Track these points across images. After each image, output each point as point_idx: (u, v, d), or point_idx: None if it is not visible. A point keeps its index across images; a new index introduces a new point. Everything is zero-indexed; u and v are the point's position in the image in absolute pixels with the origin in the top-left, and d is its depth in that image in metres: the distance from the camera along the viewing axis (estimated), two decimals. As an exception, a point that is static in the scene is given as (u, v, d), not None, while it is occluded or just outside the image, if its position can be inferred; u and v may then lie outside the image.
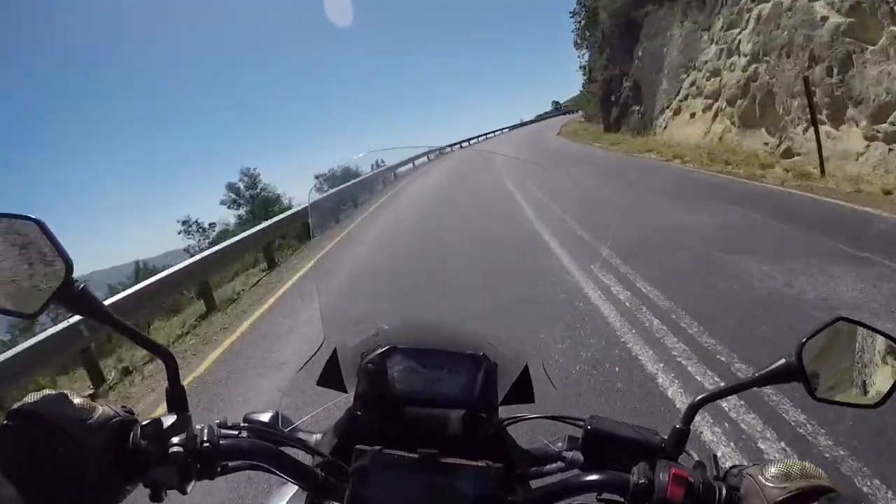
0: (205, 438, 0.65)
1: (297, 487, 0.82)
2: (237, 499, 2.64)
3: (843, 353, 0.70)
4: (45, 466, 0.54)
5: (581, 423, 0.73)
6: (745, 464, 0.64)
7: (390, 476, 0.66)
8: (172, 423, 0.65)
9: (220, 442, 0.66)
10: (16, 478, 0.50)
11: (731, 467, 0.65)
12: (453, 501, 0.66)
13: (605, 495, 0.69)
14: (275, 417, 0.78)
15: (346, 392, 0.84)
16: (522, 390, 0.85)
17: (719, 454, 2.41)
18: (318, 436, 0.80)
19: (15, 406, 0.58)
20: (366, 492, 0.66)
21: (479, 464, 0.67)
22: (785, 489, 0.57)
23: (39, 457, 0.54)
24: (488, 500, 0.66)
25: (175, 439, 0.63)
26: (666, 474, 0.62)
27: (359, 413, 0.78)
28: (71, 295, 0.64)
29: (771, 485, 0.58)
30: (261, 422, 0.76)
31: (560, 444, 0.78)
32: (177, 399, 0.69)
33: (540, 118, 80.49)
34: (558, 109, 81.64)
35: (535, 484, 0.74)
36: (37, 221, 0.63)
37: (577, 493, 0.69)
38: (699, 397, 0.69)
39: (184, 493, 0.65)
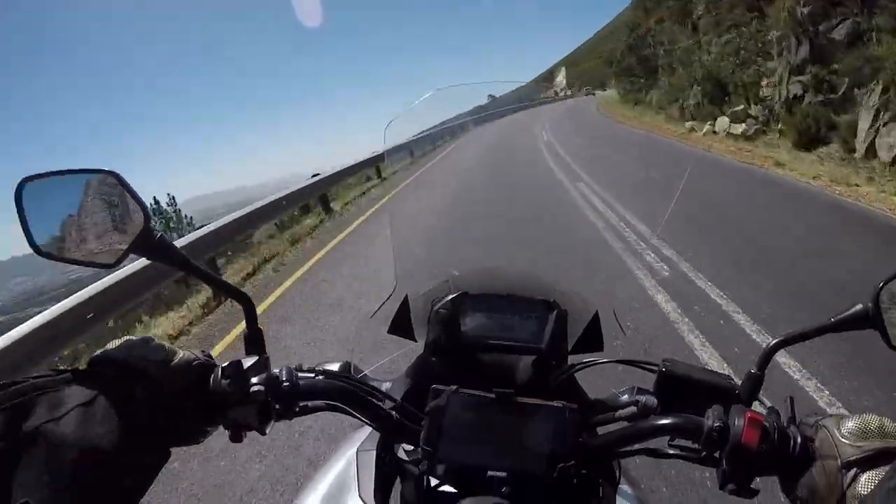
0: (284, 378, 0.65)
1: (369, 431, 0.83)
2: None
3: None
4: (131, 407, 0.55)
5: (654, 367, 0.72)
6: (822, 414, 0.63)
7: (466, 415, 0.67)
8: (252, 365, 0.65)
9: (299, 382, 0.67)
10: (106, 417, 0.52)
11: (806, 416, 0.64)
12: (529, 441, 0.66)
13: (678, 441, 0.67)
14: (346, 366, 0.79)
15: (415, 341, 0.84)
16: (592, 338, 0.84)
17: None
18: (389, 383, 0.80)
19: (97, 353, 0.60)
20: (441, 430, 0.66)
21: (555, 404, 0.67)
22: (860, 448, 0.55)
23: (125, 398, 0.55)
24: (564, 441, 0.66)
25: (255, 379, 0.64)
26: (741, 418, 0.61)
27: (430, 359, 0.78)
28: (149, 243, 0.64)
29: (847, 442, 0.56)
30: (333, 370, 0.76)
31: (628, 395, 0.77)
32: (255, 341, 0.70)
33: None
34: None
35: (604, 430, 0.73)
36: (113, 174, 0.65)
37: (650, 436, 0.67)
38: (773, 342, 0.68)
39: (263, 433, 0.66)
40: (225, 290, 0.71)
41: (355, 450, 0.84)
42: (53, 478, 0.46)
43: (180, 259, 0.67)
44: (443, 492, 0.71)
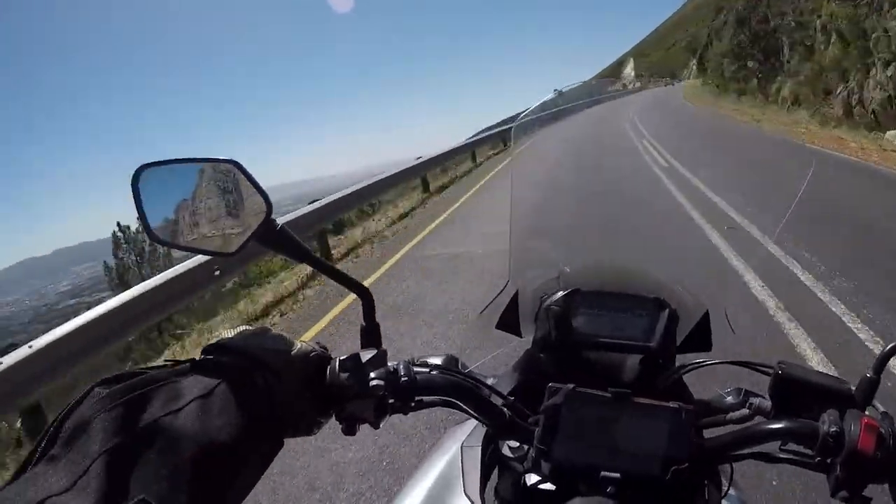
0: (402, 373, 0.65)
1: (473, 426, 0.84)
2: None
3: None
4: (251, 397, 0.54)
5: (770, 369, 0.70)
6: None
7: (582, 414, 0.66)
8: (370, 358, 0.65)
9: (416, 377, 0.66)
10: (225, 408, 0.51)
11: None
12: (644, 441, 0.65)
13: (790, 446, 0.66)
14: (452, 361, 0.78)
15: (521, 336, 0.83)
16: (700, 337, 0.83)
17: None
18: (494, 379, 0.80)
19: (212, 342, 0.59)
20: (557, 429, 0.66)
21: (672, 404, 0.66)
22: None
23: (246, 388, 0.54)
24: (679, 442, 0.65)
25: (374, 373, 0.63)
26: (857, 424, 0.59)
27: (539, 355, 0.78)
28: (270, 233, 0.65)
29: None
30: (441, 364, 0.76)
31: (733, 397, 0.75)
32: (372, 334, 0.70)
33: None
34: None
35: (709, 433, 0.72)
36: (235, 163, 0.64)
37: (763, 440, 0.66)
38: (889, 346, 0.65)
39: (376, 427, 0.66)
40: (345, 283, 0.71)
41: (460, 445, 0.83)
42: (172, 472, 0.44)
43: (301, 250, 0.67)
44: (543, 490, 0.71)
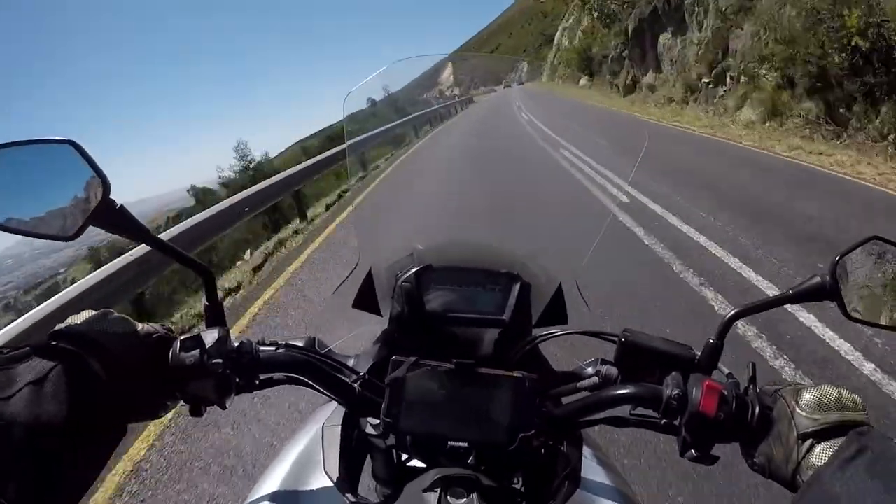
0: (244, 351, 0.65)
1: (335, 406, 0.83)
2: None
3: (877, 272, 0.69)
4: (86, 382, 0.54)
5: (615, 337, 0.73)
6: (781, 383, 0.64)
7: (426, 386, 0.67)
8: (212, 338, 0.65)
9: (259, 354, 0.67)
10: (58, 393, 0.51)
11: (766, 384, 0.65)
12: (489, 411, 0.67)
13: (639, 410, 0.68)
14: (311, 341, 0.79)
15: (380, 315, 0.84)
16: (556, 311, 0.85)
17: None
18: (354, 359, 0.80)
19: (58, 326, 0.59)
20: (402, 402, 0.66)
21: (515, 374, 0.67)
22: (816, 421, 0.56)
23: (81, 372, 0.54)
24: (524, 410, 0.66)
25: (213, 351, 0.63)
26: (699, 387, 0.62)
27: (395, 334, 0.78)
28: (109, 214, 0.63)
29: (803, 413, 0.57)
30: (297, 345, 0.76)
31: (592, 367, 0.78)
32: (215, 314, 0.69)
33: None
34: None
35: (568, 401, 0.74)
36: (72, 143, 0.63)
37: (610, 406, 0.69)
38: (731, 313, 0.69)
39: (223, 407, 0.66)
40: (185, 262, 0.70)
41: (321, 425, 0.84)
42: (4, 457, 0.45)
43: (141, 231, 0.66)
44: (412, 467, 0.71)
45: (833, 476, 0.50)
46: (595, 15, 32.38)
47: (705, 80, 17.12)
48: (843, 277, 0.67)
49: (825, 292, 0.66)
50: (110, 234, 0.67)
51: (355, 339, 0.93)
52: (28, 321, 3.56)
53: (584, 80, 37.94)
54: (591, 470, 0.80)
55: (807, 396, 0.58)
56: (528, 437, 0.66)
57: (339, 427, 0.77)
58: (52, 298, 3.89)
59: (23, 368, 0.51)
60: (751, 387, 0.64)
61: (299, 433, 0.92)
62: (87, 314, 0.62)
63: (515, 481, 0.75)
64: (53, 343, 0.56)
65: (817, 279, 0.67)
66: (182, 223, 6.36)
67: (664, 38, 22.27)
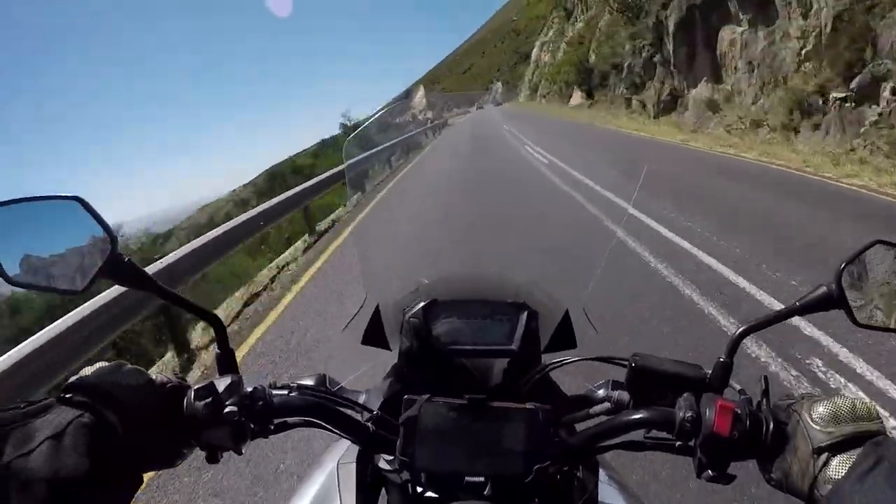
0: (257, 397, 0.66)
1: (348, 443, 0.83)
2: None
3: (883, 277, 0.68)
4: (103, 434, 0.55)
5: (625, 362, 0.73)
6: (795, 397, 0.64)
7: (440, 423, 0.67)
8: (224, 385, 0.65)
9: (273, 400, 0.67)
10: (76, 447, 0.52)
11: (780, 399, 0.65)
12: (504, 444, 0.67)
13: (654, 433, 0.68)
14: (322, 379, 0.80)
15: (389, 349, 0.85)
16: (564, 336, 0.85)
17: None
18: (366, 394, 0.81)
19: (71, 379, 0.59)
20: (416, 440, 0.67)
21: (528, 406, 0.67)
22: (830, 434, 0.56)
23: (97, 426, 0.55)
24: (538, 442, 0.67)
25: (228, 400, 0.64)
26: (712, 407, 0.62)
27: (404, 368, 0.79)
28: (118, 268, 0.64)
29: (818, 428, 0.57)
30: (308, 384, 0.77)
31: (604, 390, 0.78)
32: (227, 361, 0.70)
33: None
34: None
35: (581, 427, 0.74)
36: (78, 199, 0.64)
37: (624, 431, 0.69)
38: (740, 330, 0.69)
39: (239, 453, 0.66)
40: (195, 313, 0.71)
41: (336, 463, 0.84)
42: None
43: (150, 283, 0.67)
44: (428, 498, 0.71)
45: (852, 489, 0.50)
46: (615, 6, 26.21)
47: (837, 94, 10.06)
48: (849, 285, 0.66)
49: (832, 301, 0.66)
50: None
51: (366, 374, 0.93)
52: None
53: (577, 98, 34.34)
54: (608, 494, 0.80)
55: (820, 409, 0.58)
56: (543, 467, 0.66)
57: (355, 464, 0.78)
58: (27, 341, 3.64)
59: (40, 423, 0.52)
60: (764, 401, 0.64)
61: (315, 471, 0.92)
62: (99, 366, 0.63)
63: None
64: (69, 396, 0.57)
65: (823, 289, 0.66)
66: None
67: (731, 32, 14.88)
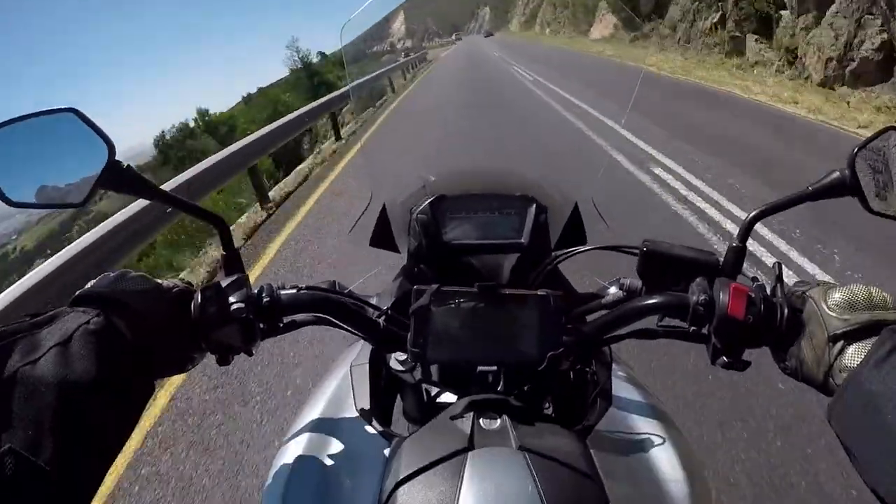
0: (264, 294, 0.65)
1: (361, 346, 0.83)
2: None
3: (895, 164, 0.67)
4: (111, 340, 0.54)
5: (635, 249, 0.72)
6: (810, 283, 0.62)
7: (451, 312, 0.66)
8: (231, 285, 0.65)
9: (281, 297, 0.66)
10: (84, 353, 0.51)
11: (794, 284, 0.64)
12: (516, 332, 0.66)
13: (667, 321, 0.68)
14: (331, 284, 0.78)
15: (398, 252, 0.84)
16: (574, 231, 0.84)
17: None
18: (376, 297, 0.80)
19: (78, 292, 0.59)
20: (427, 330, 0.66)
21: (539, 292, 0.66)
22: (846, 321, 0.55)
23: (105, 332, 0.54)
24: (551, 329, 0.66)
25: (234, 297, 0.63)
26: (726, 291, 0.61)
27: (415, 268, 0.78)
28: (116, 176, 0.63)
29: (833, 314, 0.56)
30: (319, 287, 0.76)
31: (615, 286, 0.77)
32: (232, 262, 0.69)
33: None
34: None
35: (593, 318, 0.73)
36: (73, 110, 0.63)
37: (637, 318, 0.68)
38: (752, 214, 0.68)
39: (249, 353, 0.66)
40: (200, 214, 0.70)
41: (349, 365, 0.84)
42: (35, 419, 0.45)
43: (150, 189, 0.66)
44: (443, 403, 0.71)
45: (870, 375, 0.49)
46: None
47: None
48: (862, 171, 0.65)
49: (845, 187, 0.64)
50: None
51: (375, 278, 0.92)
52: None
53: (603, 28, 23.20)
54: (622, 388, 0.80)
55: (836, 296, 0.57)
56: (556, 355, 0.65)
57: (367, 365, 0.78)
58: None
59: (47, 332, 0.52)
60: (778, 287, 0.63)
61: (328, 375, 0.91)
62: (105, 276, 0.63)
63: (546, 405, 0.75)
64: (77, 307, 0.56)
65: (836, 174, 0.65)
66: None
67: None
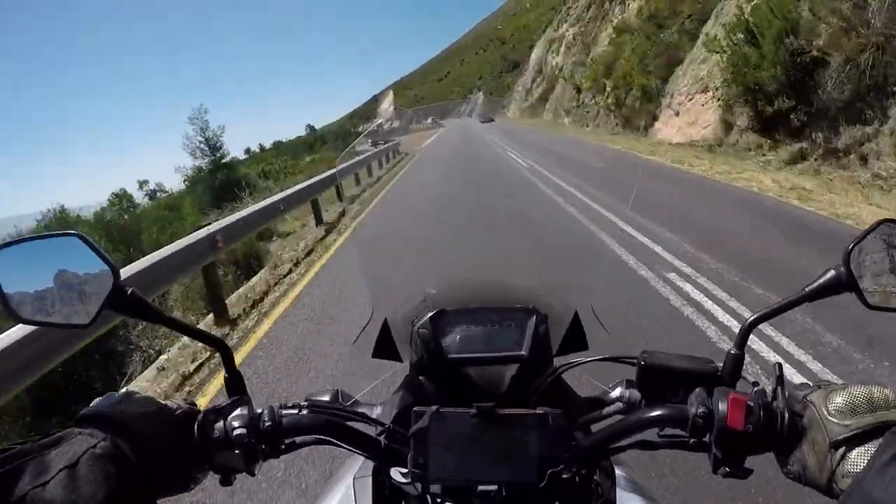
0: (266, 419, 0.66)
1: (363, 458, 0.83)
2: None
3: (891, 257, 0.67)
4: (117, 464, 0.55)
5: (633, 360, 0.73)
6: (810, 386, 0.63)
7: (450, 433, 0.67)
8: (234, 408, 0.66)
9: (282, 420, 0.67)
10: (92, 477, 0.52)
11: (795, 387, 0.64)
12: (516, 451, 0.66)
13: (668, 430, 0.68)
14: (335, 395, 0.80)
15: (401, 361, 0.85)
16: (575, 338, 0.85)
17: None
18: (379, 408, 0.81)
19: (83, 411, 0.61)
20: (427, 451, 0.67)
21: (538, 411, 0.67)
22: (847, 427, 0.55)
23: (111, 455, 0.55)
24: (551, 447, 0.66)
25: (237, 423, 0.64)
26: (725, 401, 0.61)
27: (416, 380, 0.79)
28: (121, 300, 0.65)
29: (835, 420, 0.56)
30: (321, 400, 0.77)
31: (618, 389, 0.77)
32: (235, 384, 0.70)
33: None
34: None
35: (595, 429, 0.74)
36: (78, 234, 0.67)
37: (637, 431, 0.68)
38: (750, 319, 0.68)
39: (252, 474, 0.67)
40: (202, 338, 0.72)
41: (352, 478, 0.84)
42: None
43: (155, 313, 0.68)
44: None
45: (873, 482, 0.49)
46: None
47: None
48: (858, 267, 0.65)
49: (842, 285, 0.65)
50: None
51: (380, 385, 0.93)
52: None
53: (689, 125, 14.04)
54: (625, 496, 0.79)
55: (837, 400, 0.57)
56: (556, 472, 0.65)
57: (370, 478, 0.78)
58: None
59: (55, 454, 0.53)
60: (778, 390, 0.63)
61: (331, 486, 0.91)
62: (111, 396, 0.64)
63: None
64: (83, 427, 0.58)
65: (832, 273, 0.66)
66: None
67: None
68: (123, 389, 0.67)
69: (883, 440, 0.52)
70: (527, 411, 0.67)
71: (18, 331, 3.29)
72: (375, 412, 0.79)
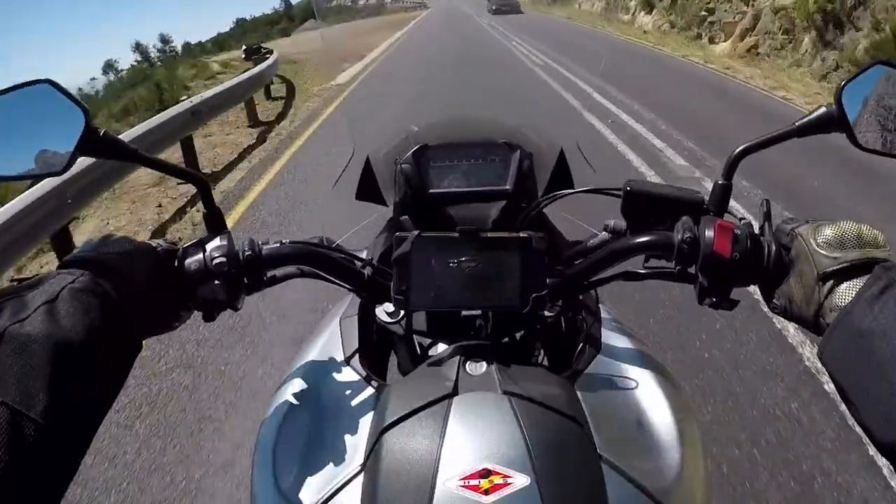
0: (247, 249, 0.65)
1: (350, 299, 0.83)
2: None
3: (884, 98, 0.65)
4: (98, 302, 0.54)
5: (618, 190, 0.71)
6: (798, 220, 0.61)
7: (432, 258, 0.65)
8: (214, 242, 0.65)
9: (263, 250, 0.66)
10: (72, 312, 0.52)
11: (783, 221, 0.63)
12: (499, 275, 0.65)
13: (652, 262, 0.67)
14: (320, 239, 0.78)
15: (386, 205, 0.84)
16: (560, 177, 0.84)
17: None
18: (364, 251, 0.80)
19: (65, 257, 0.60)
20: (409, 277, 0.65)
21: (521, 234, 0.66)
22: (836, 260, 0.54)
23: (92, 293, 0.55)
24: (534, 271, 0.65)
25: (217, 253, 0.64)
26: (711, 228, 0.60)
27: (401, 219, 0.78)
28: (94, 142, 0.64)
29: (823, 252, 0.55)
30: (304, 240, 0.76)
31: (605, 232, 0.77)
32: (214, 220, 0.69)
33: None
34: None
35: (579, 262, 0.73)
36: (49, 81, 0.64)
37: (622, 258, 0.67)
38: (737, 149, 0.66)
39: (235, 309, 0.66)
40: (179, 174, 0.71)
41: (338, 318, 0.83)
42: (26, 375, 0.46)
43: (129, 151, 0.66)
44: (434, 353, 0.71)
45: (861, 313, 0.48)
46: None
47: None
48: (849, 106, 0.63)
49: (833, 123, 0.63)
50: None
51: (364, 230, 0.91)
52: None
53: None
54: (610, 336, 0.78)
55: (826, 233, 0.56)
56: (540, 297, 0.64)
57: (356, 317, 0.78)
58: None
59: (34, 293, 0.52)
60: (766, 225, 0.62)
61: (318, 327, 0.90)
62: (89, 241, 0.63)
63: (537, 354, 0.76)
64: (63, 271, 0.57)
65: (823, 110, 0.64)
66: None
67: None
68: (103, 235, 0.65)
69: (872, 274, 0.51)
70: (509, 234, 0.66)
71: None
72: (361, 255, 0.79)
